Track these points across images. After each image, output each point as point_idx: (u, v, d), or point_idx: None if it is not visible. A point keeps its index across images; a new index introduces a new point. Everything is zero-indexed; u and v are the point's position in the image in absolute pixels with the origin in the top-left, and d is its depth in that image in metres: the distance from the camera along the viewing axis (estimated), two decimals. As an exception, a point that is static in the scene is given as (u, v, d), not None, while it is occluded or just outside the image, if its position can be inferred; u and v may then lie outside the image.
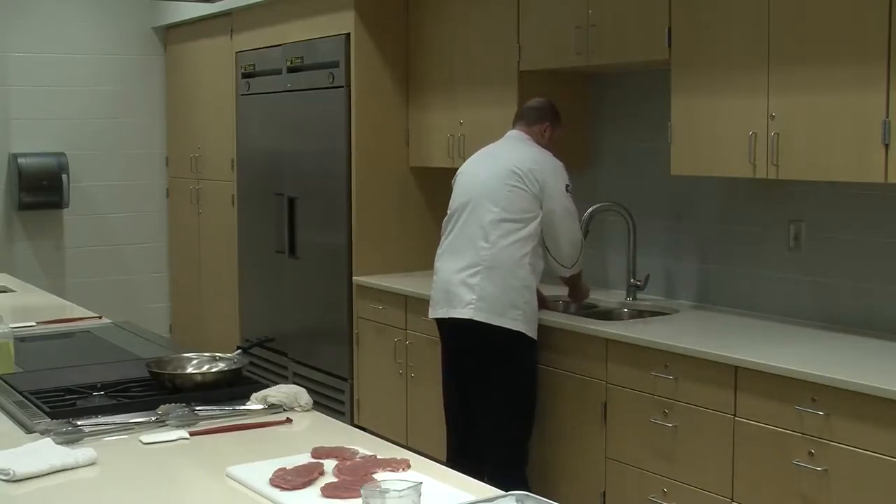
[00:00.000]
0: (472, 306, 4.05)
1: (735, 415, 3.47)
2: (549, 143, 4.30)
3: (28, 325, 3.98)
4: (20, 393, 2.83)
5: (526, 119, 4.34)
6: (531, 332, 4.09)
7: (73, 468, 2.26)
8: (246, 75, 6.51)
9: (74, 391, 2.84)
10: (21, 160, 7.07)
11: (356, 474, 2.14)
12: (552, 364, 4.21)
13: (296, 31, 5.96)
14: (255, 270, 6.54)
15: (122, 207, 7.61)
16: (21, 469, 2.20)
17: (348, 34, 5.51)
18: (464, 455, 4.23)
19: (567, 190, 4.15)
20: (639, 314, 4.48)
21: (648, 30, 4.10)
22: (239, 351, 3.18)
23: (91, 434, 2.48)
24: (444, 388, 4.37)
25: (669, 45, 4.01)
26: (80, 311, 4.40)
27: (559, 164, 4.18)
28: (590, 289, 4.58)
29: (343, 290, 5.61)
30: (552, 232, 4.14)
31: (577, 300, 4.57)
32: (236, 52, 6.62)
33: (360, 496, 1.87)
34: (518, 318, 4.04)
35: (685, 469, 3.66)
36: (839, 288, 3.93)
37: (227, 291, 6.88)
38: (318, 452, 2.30)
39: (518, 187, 4.09)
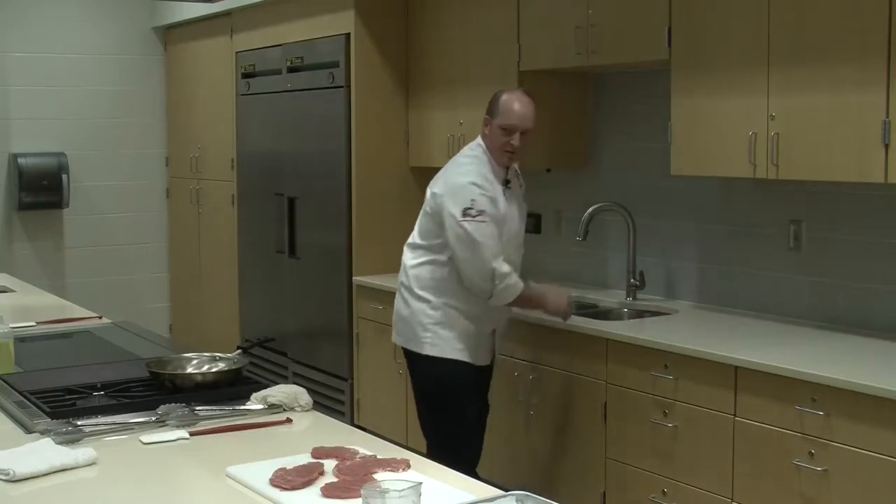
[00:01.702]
0: (394, 329, 4.03)
1: (735, 415, 3.47)
2: (490, 137, 3.86)
3: (28, 325, 3.98)
4: (20, 393, 2.83)
5: None
6: (448, 354, 3.86)
7: (73, 468, 2.26)
8: (246, 75, 6.51)
9: (74, 391, 2.84)
10: (21, 160, 7.07)
11: (356, 474, 2.14)
12: (552, 364, 4.21)
13: (296, 31, 5.96)
14: (255, 270, 6.54)
15: (122, 207, 7.60)
16: (21, 469, 2.20)
17: (348, 34, 5.51)
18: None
19: (466, 214, 3.72)
20: (639, 314, 4.47)
21: (648, 30, 4.10)
22: (239, 351, 3.18)
23: (91, 434, 2.48)
24: None
25: (669, 45, 4.01)
26: (80, 311, 4.40)
27: (461, 185, 3.78)
28: (561, 302, 4.03)
29: (343, 290, 5.61)
30: (454, 259, 3.81)
31: (555, 315, 4.07)
32: (236, 52, 6.62)
33: (360, 496, 1.87)
34: (426, 341, 3.87)
35: (685, 469, 3.66)
36: (839, 288, 3.93)
37: (227, 291, 6.88)
38: (318, 452, 2.30)
39: (427, 212, 3.89)
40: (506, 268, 3.78)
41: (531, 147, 4.78)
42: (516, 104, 3.85)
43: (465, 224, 3.73)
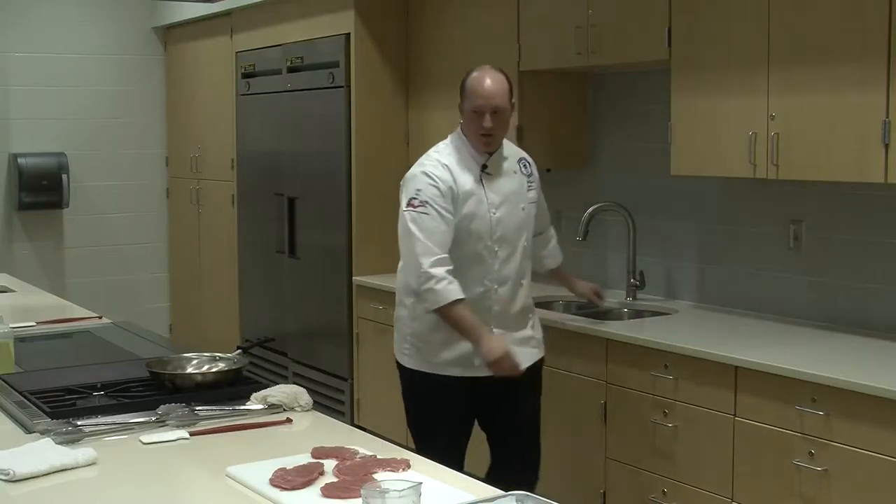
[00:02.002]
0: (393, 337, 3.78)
1: (735, 415, 3.47)
2: (465, 123, 3.58)
3: (28, 325, 3.98)
4: (20, 393, 2.83)
5: None
6: (421, 367, 3.59)
7: (73, 468, 2.26)
8: (246, 75, 6.51)
9: (74, 391, 2.84)
10: (21, 160, 7.07)
11: (356, 474, 2.14)
12: (552, 364, 4.21)
13: (296, 31, 5.96)
14: (255, 270, 6.54)
15: (122, 207, 7.60)
16: (21, 469, 2.20)
17: (348, 34, 5.51)
18: None
19: (409, 204, 3.44)
20: (639, 314, 4.47)
21: (648, 30, 4.10)
22: (239, 351, 3.18)
23: (91, 434, 2.48)
24: None
25: (669, 45, 4.01)
26: (80, 311, 4.40)
27: (412, 175, 3.52)
28: (494, 352, 3.39)
29: (343, 290, 5.61)
30: None
31: (486, 364, 3.46)
32: (236, 52, 6.62)
33: (360, 496, 1.87)
34: (405, 353, 3.64)
35: (685, 469, 3.66)
36: (839, 288, 3.93)
37: (227, 291, 6.88)
38: (318, 452, 2.30)
39: None
40: (436, 270, 3.35)
41: (534, 146, 4.78)
42: (484, 81, 3.53)
43: (406, 213, 3.44)
